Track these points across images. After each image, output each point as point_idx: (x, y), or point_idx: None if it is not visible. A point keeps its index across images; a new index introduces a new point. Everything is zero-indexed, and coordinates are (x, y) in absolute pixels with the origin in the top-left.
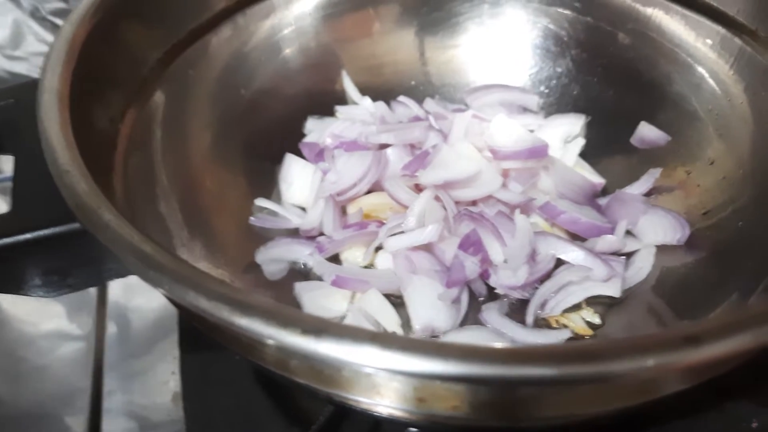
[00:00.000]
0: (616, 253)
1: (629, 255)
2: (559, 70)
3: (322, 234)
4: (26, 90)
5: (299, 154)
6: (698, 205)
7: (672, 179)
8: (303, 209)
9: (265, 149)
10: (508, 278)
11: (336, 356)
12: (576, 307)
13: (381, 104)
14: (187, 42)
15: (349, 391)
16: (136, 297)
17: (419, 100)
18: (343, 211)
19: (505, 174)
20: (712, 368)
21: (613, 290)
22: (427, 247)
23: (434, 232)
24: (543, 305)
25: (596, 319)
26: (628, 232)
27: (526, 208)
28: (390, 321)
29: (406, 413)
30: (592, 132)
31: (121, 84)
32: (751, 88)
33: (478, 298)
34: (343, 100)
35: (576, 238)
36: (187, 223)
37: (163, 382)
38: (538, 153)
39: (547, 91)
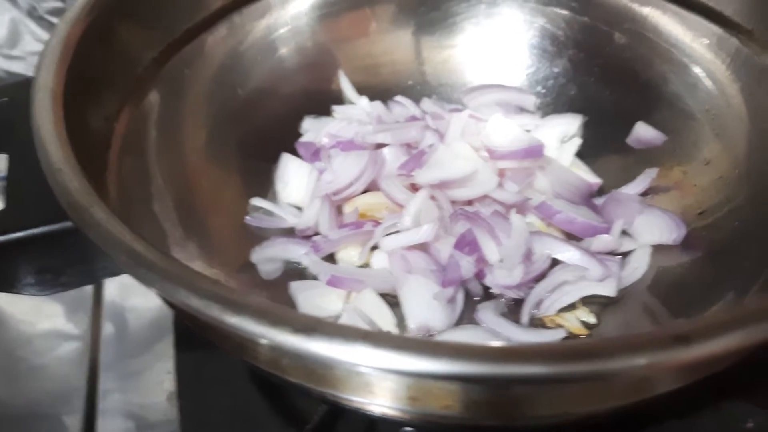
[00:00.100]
0: (612, 253)
1: (625, 255)
2: (556, 70)
3: (317, 233)
4: (20, 89)
5: (295, 153)
6: (694, 205)
7: (668, 179)
8: (299, 209)
9: (260, 148)
10: (503, 278)
11: (327, 355)
12: (571, 307)
13: (378, 104)
14: (183, 41)
15: (342, 390)
16: (132, 297)
17: (416, 100)
18: (339, 210)
19: (501, 174)
20: (705, 367)
21: (609, 290)
22: (423, 247)
23: (430, 232)
24: (538, 305)
25: (592, 319)
26: (624, 232)
27: (522, 207)
28: (385, 320)
29: (399, 412)
30: (588, 132)
31: (116, 83)
32: (748, 88)
33: (473, 298)
34: (339, 99)
35: (572, 237)
36: (182, 223)
37: (159, 381)
38: (533, 153)
39: (544, 91)
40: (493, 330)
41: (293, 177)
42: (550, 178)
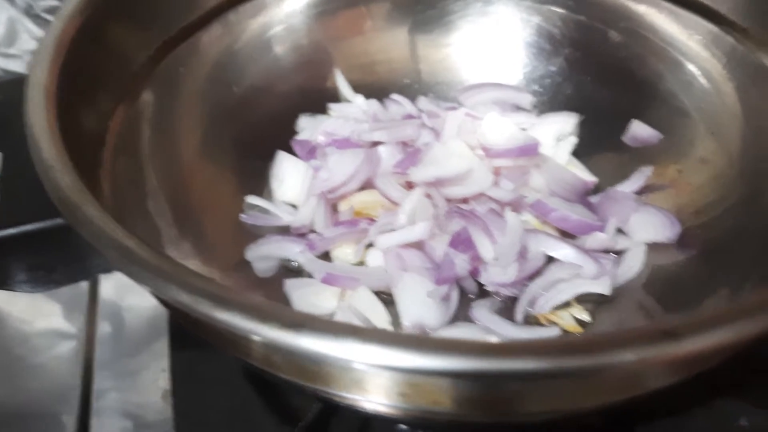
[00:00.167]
0: (607, 251)
1: (620, 253)
2: (552, 68)
3: (312, 231)
4: (14, 86)
5: (291, 151)
6: (689, 204)
7: (663, 177)
8: (294, 207)
9: (256, 147)
10: (498, 275)
11: (316, 350)
12: (566, 305)
13: (374, 102)
14: (178, 40)
15: (333, 387)
16: (129, 296)
17: (412, 98)
18: (334, 208)
19: (497, 172)
20: (696, 363)
21: (603, 288)
22: (418, 245)
23: (425, 230)
24: (533, 302)
25: (586, 317)
26: (619, 230)
27: (517, 205)
28: (380, 318)
29: (391, 409)
30: (584, 130)
31: (111, 81)
32: (743, 86)
33: (468, 296)
34: (335, 97)
35: (567, 235)
36: (177, 221)
37: (156, 380)
38: (529, 151)
39: (540, 89)
40: (488, 328)
41: (289, 175)
42: (546, 176)
